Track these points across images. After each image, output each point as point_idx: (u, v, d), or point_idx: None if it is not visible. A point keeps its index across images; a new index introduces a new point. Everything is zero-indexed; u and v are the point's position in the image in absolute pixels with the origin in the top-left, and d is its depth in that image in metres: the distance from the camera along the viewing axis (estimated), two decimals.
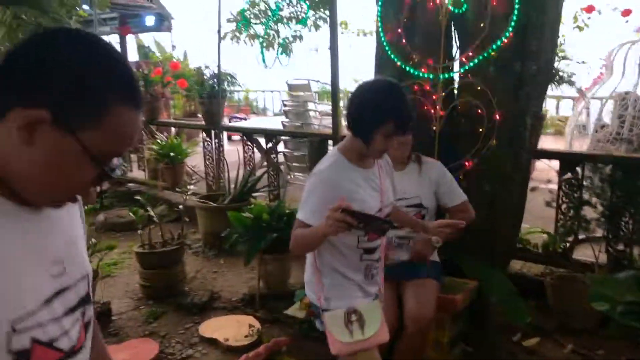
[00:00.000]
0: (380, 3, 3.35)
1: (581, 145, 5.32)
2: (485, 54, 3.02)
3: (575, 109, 5.82)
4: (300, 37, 6.99)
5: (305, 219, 1.86)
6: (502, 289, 2.87)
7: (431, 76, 3.17)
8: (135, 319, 3.72)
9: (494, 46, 2.99)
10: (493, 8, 2.99)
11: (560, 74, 3.66)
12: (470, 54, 3.08)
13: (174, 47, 11.44)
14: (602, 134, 4.71)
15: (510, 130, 3.05)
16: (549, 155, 3.90)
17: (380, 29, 3.34)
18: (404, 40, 3.23)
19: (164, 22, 11.70)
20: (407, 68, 3.22)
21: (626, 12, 6.83)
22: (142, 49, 14.19)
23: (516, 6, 2.92)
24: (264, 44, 5.77)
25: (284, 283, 4.02)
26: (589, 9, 6.77)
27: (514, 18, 2.94)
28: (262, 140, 5.56)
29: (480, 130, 3.05)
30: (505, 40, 2.97)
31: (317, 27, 7.61)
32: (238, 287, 4.24)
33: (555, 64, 3.71)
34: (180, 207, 4.41)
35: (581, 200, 3.74)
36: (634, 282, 2.52)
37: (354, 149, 1.91)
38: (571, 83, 3.69)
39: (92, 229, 5.79)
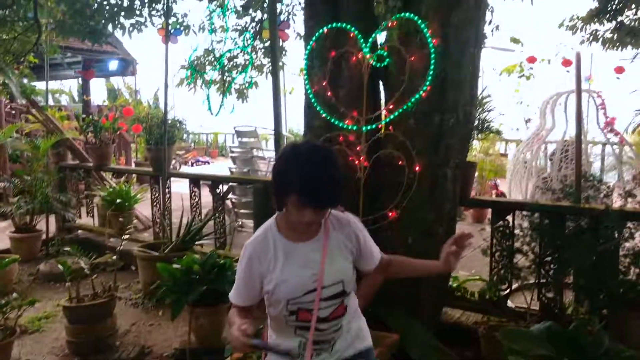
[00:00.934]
0: (306, 55, 3.42)
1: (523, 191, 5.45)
2: (405, 107, 3.09)
3: (517, 154, 5.99)
4: (256, 84, 7.07)
5: (233, 299, 1.72)
6: (422, 343, 2.82)
7: (355, 127, 3.21)
8: None
9: (413, 99, 3.06)
10: (412, 63, 3.08)
11: (488, 124, 3.75)
12: (391, 106, 3.15)
13: (137, 91, 11.46)
14: (539, 181, 4.84)
15: (431, 181, 3.09)
16: (480, 204, 3.95)
17: (306, 81, 3.40)
18: (329, 93, 3.28)
19: (128, 67, 11.78)
20: (332, 120, 3.26)
21: (566, 63, 7.15)
22: (112, 92, 14.26)
23: (432, 62, 3.02)
24: (210, 90, 5.81)
25: (217, 337, 3.89)
26: (531, 60, 7.09)
27: (431, 73, 3.03)
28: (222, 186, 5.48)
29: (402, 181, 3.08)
30: (424, 94, 3.04)
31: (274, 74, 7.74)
32: (172, 341, 4.09)
33: (484, 114, 3.82)
34: (114, 257, 4.28)
35: (512, 249, 3.77)
36: (545, 335, 2.51)
37: (284, 217, 1.69)
38: (498, 132, 3.79)
39: (30, 279, 5.61)
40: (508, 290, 3.90)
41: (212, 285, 3.71)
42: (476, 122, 3.77)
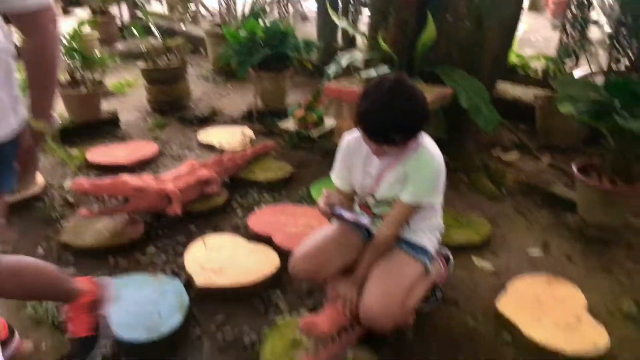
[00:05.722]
0: None
1: None
2: None
3: None
4: None
5: (334, 180, 1.88)
6: (476, 96, 2.89)
7: None
8: (141, 128, 4.03)
9: None
10: None
11: None
12: None
13: None
14: None
15: None
16: None
17: None
18: None
19: None
20: None
21: None
22: None
23: None
24: None
25: (281, 101, 4.17)
26: None
27: None
28: None
29: None
30: None
31: None
32: (240, 105, 4.44)
33: None
34: (184, 28, 4.46)
35: (587, 20, 3.56)
36: (604, 85, 2.50)
37: None
38: None
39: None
40: (575, 67, 3.79)
41: (276, 49, 3.85)
42: None
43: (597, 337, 1.82)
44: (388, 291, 1.64)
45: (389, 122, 1.54)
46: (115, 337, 1.78)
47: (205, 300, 2.04)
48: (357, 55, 3.36)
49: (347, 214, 1.70)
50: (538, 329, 1.85)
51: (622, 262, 2.34)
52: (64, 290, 1.63)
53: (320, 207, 1.73)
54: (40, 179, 3.00)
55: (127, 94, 4.79)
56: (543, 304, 2.00)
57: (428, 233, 1.82)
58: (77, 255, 2.35)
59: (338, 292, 1.71)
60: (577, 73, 3.74)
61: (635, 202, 2.56)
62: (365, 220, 1.70)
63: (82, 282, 1.71)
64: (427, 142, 1.72)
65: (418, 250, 1.78)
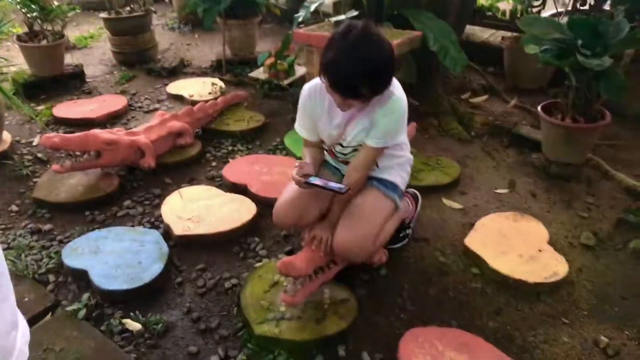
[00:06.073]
0: None
1: None
2: None
3: None
4: None
5: (298, 132, 1.88)
6: (444, 38, 2.90)
7: None
8: (108, 81, 3.93)
9: None
10: None
11: None
12: None
13: None
14: None
15: None
16: None
17: None
18: None
19: None
20: None
21: None
22: None
23: None
24: None
25: (250, 50, 4.10)
26: None
27: None
28: None
29: None
30: None
31: None
32: (209, 56, 4.36)
33: None
34: None
35: None
36: (567, 24, 2.54)
37: None
38: None
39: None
40: (541, 7, 3.81)
41: None
42: None
43: (557, 266, 1.95)
44: (360, 227, 1.71)
45: (355, 73, 1.50)
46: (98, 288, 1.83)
47: (184, 249, 2.09)
48: (326, 0, 3.32)
49: (319, 182, 1.71)
50: (503, 262, 1.96)
51: (582, 197, 2.47)
52: None
53: (294, 178, 1.73)
54: (6, 136, 2.94)
55: (91, 46, 4.63)
56: (508, 238, 2.11)
57: (398, 169, 1.89)
58: (53, 210, 2.35)
59: (313, 234, 1.78)
60: (545, 15, 3.77)
61: (595, 139, 2.67)
62: (337, 185, 1.70)
63: None
64: (395, 88, 1.69)
65: (389, 186, 1.84)
